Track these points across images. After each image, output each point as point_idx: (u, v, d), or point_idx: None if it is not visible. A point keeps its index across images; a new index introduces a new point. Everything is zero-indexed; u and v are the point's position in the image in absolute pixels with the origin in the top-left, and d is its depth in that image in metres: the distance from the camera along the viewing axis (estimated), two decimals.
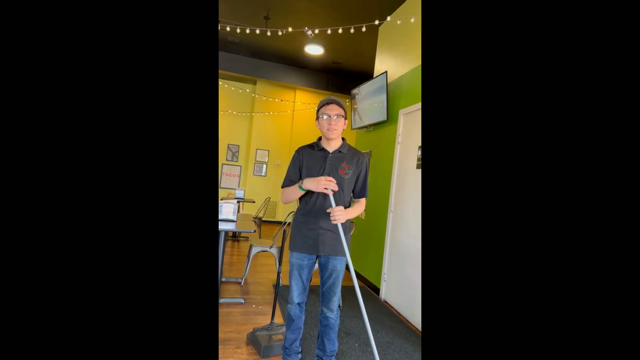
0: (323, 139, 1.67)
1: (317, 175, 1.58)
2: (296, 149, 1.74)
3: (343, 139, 1.70)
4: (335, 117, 1.58)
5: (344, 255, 1.62)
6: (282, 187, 1.73)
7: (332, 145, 1.65)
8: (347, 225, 1.68)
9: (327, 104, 1.61)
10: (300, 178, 1.66)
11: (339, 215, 1.49)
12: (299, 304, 1.72)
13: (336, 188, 1.54)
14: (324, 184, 1.51)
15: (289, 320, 1.76)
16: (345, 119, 1.63)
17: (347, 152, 1.66)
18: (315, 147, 1.68)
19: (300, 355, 1.84)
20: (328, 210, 1.52)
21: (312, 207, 1.63)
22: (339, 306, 1.78)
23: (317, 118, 1.64)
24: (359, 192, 1.69)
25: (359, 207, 1.67)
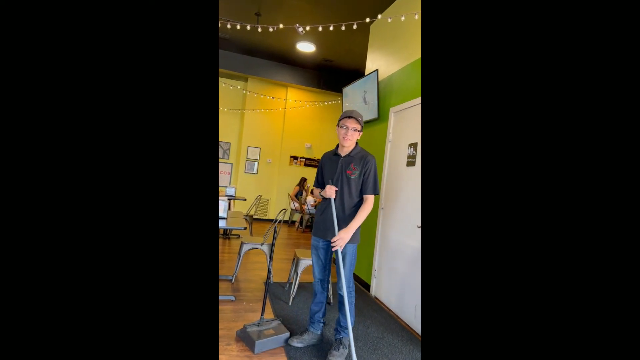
0: (340, 144, 2.04)
1: (333, 175, 2.02)
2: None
3: (356, 143, 2.05)
4: (352, 130, 1.94)
5: (350, 242, 1.94)
6: (314, 186, 2.23)
7: (344, 151, 2.03)
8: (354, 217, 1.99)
9: (348, 117, 1.95)
10: (323, 178, 2.11)
11: (339, 242, 1.86)
12: (320, 280, 2.11)
13: (333, 195, 1.95)
14: (329, 193, 1.96)
15: (313, 294, 2.16)
16: (360, 132, 1.99)
17: (355, 155, 2.01)
18: (333, 152, 2.09)
19: (322, 325, 2.18)
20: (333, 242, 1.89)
21: (324, 200, 2.06)
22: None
23: (338, 126, 2.00)
24: (365, 188, 1.97)
25: (365, 208, 1.94)
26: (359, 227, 2.00)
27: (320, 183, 2.13)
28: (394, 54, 3.37)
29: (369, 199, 1.96)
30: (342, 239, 1.86)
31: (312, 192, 2.17)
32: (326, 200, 2.03)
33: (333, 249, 1.87)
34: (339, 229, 1.93)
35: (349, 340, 1.81)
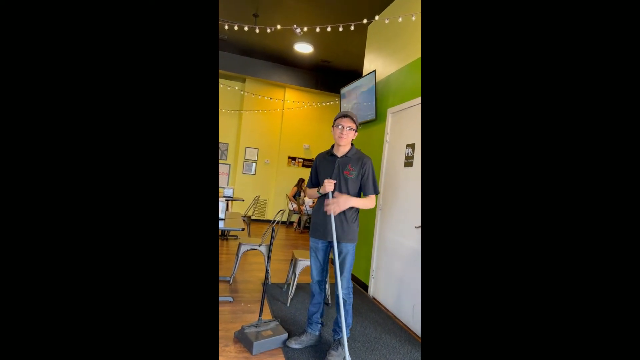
0: (335, 145, 2.04)
1: (329, 175, 2.00)
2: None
3: (352, 144, 2.05)
4: (347, 128, 1.95)
5: (349, 241, 1.97)
6: (307, 186, 2.22)
7: (341, 151, 2.03)
8: (352, 215, 1.99)
9: (343, 116, 1.97)
10: (318, 178, 2.10)
11: (332, 205, 1.86)
12: (318, 281, 2.10)
13: (332, 188, 1.92)
14: (328, 188, 1.93)
15: (311, 295, 2.15)
16: (356, 131, 2.00)
17: (352, 156, 2.02)
18: (328, 153, 2.08)
19: (320, 326, 2.18)
20: (326, 202, 1.89)
21: (321, 200, 2.03)
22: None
23: (333, 126, 2.01)
24: (367, 190, 2.01)
25: (367, 200, 1.98)
26: (357, 226, 2.03)
27: (315, 183, 2.13)
28: (391, 55, 3.38)
29: (371, 197, 2.01)
30: (337, 203, 1.87)
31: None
32: (323, 199, 2.02)
33: (326, 210, 1.88)
34: (337, 230, 1.93)
35: (344, 341, 1.82)
